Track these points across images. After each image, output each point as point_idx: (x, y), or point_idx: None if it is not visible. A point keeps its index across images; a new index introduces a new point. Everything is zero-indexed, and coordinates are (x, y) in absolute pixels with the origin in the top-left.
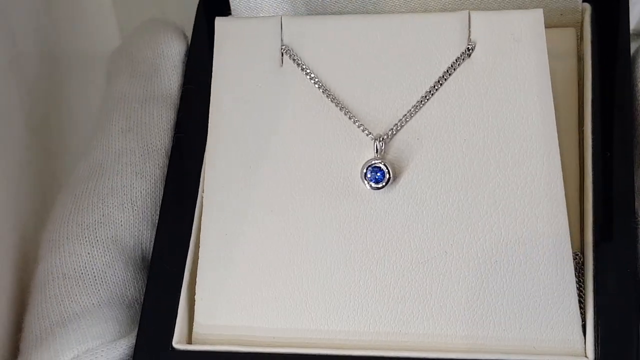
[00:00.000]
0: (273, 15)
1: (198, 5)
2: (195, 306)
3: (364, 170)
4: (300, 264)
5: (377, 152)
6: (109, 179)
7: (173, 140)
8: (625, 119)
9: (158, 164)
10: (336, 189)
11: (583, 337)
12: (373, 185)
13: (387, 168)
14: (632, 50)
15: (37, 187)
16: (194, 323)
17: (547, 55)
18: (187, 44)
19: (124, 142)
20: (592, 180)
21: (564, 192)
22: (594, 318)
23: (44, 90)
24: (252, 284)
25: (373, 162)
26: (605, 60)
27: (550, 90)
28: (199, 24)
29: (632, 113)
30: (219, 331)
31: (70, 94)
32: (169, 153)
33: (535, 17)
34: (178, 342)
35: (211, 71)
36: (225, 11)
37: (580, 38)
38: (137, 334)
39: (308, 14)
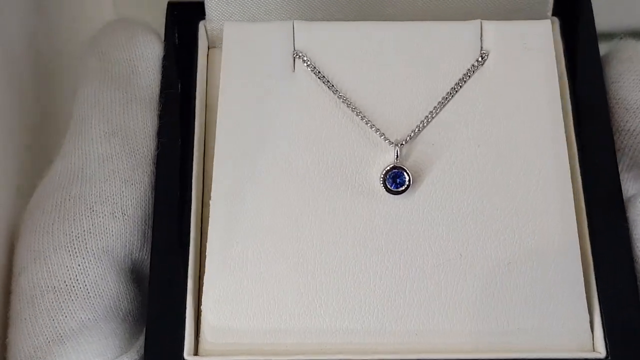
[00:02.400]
0: (284, 20)
1: (167, 5)
2: (202, 316)
3: (384, 175)
4: (314, 271)
5: (397, 157)
6: (94, 186)
7: (158, 147)
8: (603, 123)
9: (146, 172)
10: (353, 193)
11: (591, 333)
12: (393, 189)
13: (408, 173)
14: (602, 52)
15: (31, 188)
16: (200, 334)
17: (555, 63)
18: (163, 47)
19: (107, 147)
20: (582, 183)
21: (572, 197)
22: (601, 314)
23: (42, 91)
24: (262, 291)
25: (394, 166)
26: (577, 71)
27: (559, 97)
28: (170, 25)
29: (607, 116)
30: (229, 340)
31: (65, 93)
32: (155, 159)
33: (544, 27)
34: (188, 354)
35: (189, 75)
36: (196, 13)
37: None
38: (145, 348)
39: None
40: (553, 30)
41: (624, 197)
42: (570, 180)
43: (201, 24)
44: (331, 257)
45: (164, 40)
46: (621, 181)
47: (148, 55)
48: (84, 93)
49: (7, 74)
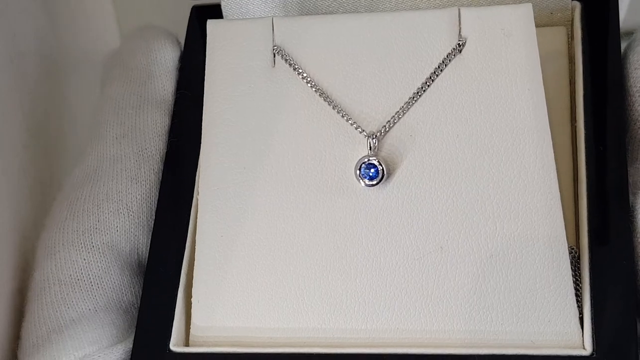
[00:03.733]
0: (264, 17)
1: (191, 11)
2: (192, 308)
3: (358, 168)
4: (296, 263)
5: (370, 149)
6: (104, 185)
7: (168, 146)
8: (617, 114)
9: (153, 169)
10: (330, 187)
11: (580, 329)
12: (367, 182)
13: (381, 165)
14: (622, 48)
15: (36, 187)
16: (191, 325)
17: (537, 49)
18: (181, 50)
19: (118, 148)
20: (586, 175)
21: (558, 186)
22: (591, 310)
23: (44, 90)
24: (249, 284)
25: (367, 159)
26: (596, 57)
27: (542, 84)
28: (191, 29)
29: (623, 108)
30: (217, 333)
31: (70, 94)
32: (164, 158)
33: (524, 12)
34: (175, 345)
35: (203, 76)
36: (218, 16)
37: (570, 36)
38: (134, 337)
39: (300, 15)
40: (573, 15)
41: (632, 189)
42: (555, 169)
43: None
44: (310, 252)
45: (185, 43)
46: (635, 171)
47: (162, 59)
48: (104, 98)
49: (12, 73)
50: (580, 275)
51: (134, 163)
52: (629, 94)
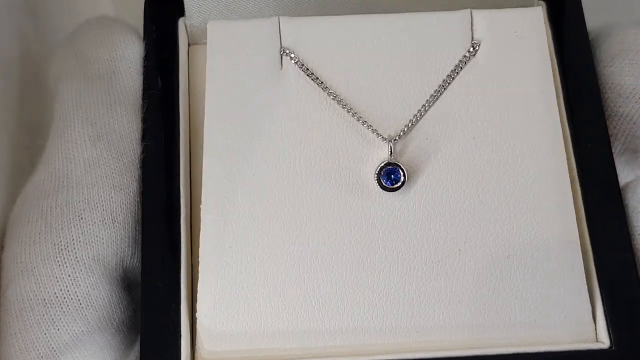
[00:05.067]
0: (269, 17)
1: (144, 3)
2: (197, 323)
3: (379, 172)
4: (311, 272)
5: (391, 153)
6: (82, 192)
7: (143, 150)
8: (597, 111)
9: (134, 176)
10: (347, 191)
11: (594, 324)
12: (389, 186)
13: (403, 169)
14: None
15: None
16: (197, 341)
17: (548, 51)
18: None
19: (93, 151)
20: (577, 172)
21: (570, 185)
22: (603, 304)
23: (41, 90)
24: (258, 294)
25: (388, 163)
26: (567, 57)
27: (553, 85)
28: (148, 23)
29: (600, 102)
30: (225, 347)
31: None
32: (142, 163)
33: (536, 15)
34: None
35: (171, 75)
36: (172, 9)
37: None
38: (141, 358)
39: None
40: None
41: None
42: (567, 169)
43: (181, 21)
44: (327, 257)
45: (144, 39)
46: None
47: (129, 55)
48: (64, 93)
49: (11, 73)
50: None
51: (114, 169)
52: (603, 85)
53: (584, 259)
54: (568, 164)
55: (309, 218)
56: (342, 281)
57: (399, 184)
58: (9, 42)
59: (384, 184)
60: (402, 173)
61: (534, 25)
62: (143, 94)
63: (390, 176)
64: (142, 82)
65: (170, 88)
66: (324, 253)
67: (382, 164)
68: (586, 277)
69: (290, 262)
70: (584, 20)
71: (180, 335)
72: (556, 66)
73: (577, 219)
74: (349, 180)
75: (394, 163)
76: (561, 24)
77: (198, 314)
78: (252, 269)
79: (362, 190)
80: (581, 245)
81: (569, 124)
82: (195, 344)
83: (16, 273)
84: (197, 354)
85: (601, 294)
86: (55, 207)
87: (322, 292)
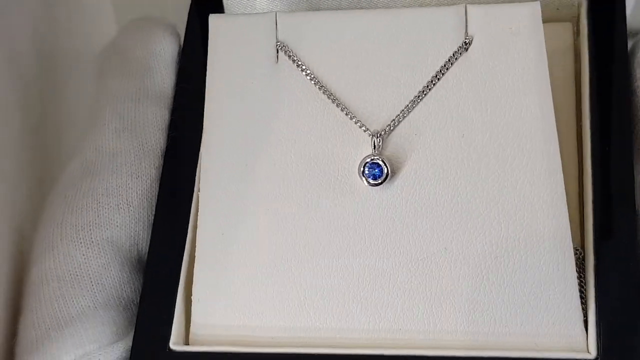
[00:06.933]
0: (267, 12)
1: (190, 3)
2: (192, 307)
3: (362, 167)
4: (298, 262)
5: (374, 148)
6: (103, 180)
7: (168, 140)
8: (624, 113)
9: (153, 164)
10: (333, 185)
11: (585, 332)
12: (371, 181)
13: (385, 164)
14: (629, 46)
15: (35, 186)
16: (191, 324)
17: (545, 48)
18: (180, 44)
19: (117, 142)
20: (592, 174)
21: (564, 186)
22: (596, 313)
23: (42, 90)
24: (250, 283)
25: (371, 158)
26: (603, 54)
27: (549, 84)
28: (191, 22)
29: (630, 107)
30: (217, 331)
31: (68, 93)
32: (164, 153)
33: (532, 10)
34: (175, 343)
35: (204, 70)
36: (219, 9)
37: (576, 32)
38: (134, 335)
39: (302, 10)
40: (580, 11)
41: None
42: (561, 169)
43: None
44: (312, 250)
45: (185, 36)
46: None
47: (162, 52)
48: (100, 90)
49: (10, 73)
50: (585, 277)
51: (134, 158)
52: (635, 94)
53: (585, 265)
54: (582, 166)
55: (296, 212)
56: (326, 276)
57: (382, 179)
58: (22, 41)
59: (366, 179)
60: (385, 168)
61: (530, 21)
62: (175, 87)
63: (373, 171)
64: (174, 77)
65: (202, 82)
66: (308, 245)
67: (365, 159)
68: (585, 285)
69: (276, 256)
70: (625, 19)
71: (173, 315)
72: (586, 64)
73: (583, 223)
74: (336, 176)
75: (377, 158)
76: (601, 20)
77: (193, 298)
78: (241, 260)
79: (349, 186)
80: (584, 251)
81: (591, 125)
82: (190, 327)
83: (40, 252)
84: (190, 336)
85: (596, 303)
86: (79, 193)
87: (307, 287)
